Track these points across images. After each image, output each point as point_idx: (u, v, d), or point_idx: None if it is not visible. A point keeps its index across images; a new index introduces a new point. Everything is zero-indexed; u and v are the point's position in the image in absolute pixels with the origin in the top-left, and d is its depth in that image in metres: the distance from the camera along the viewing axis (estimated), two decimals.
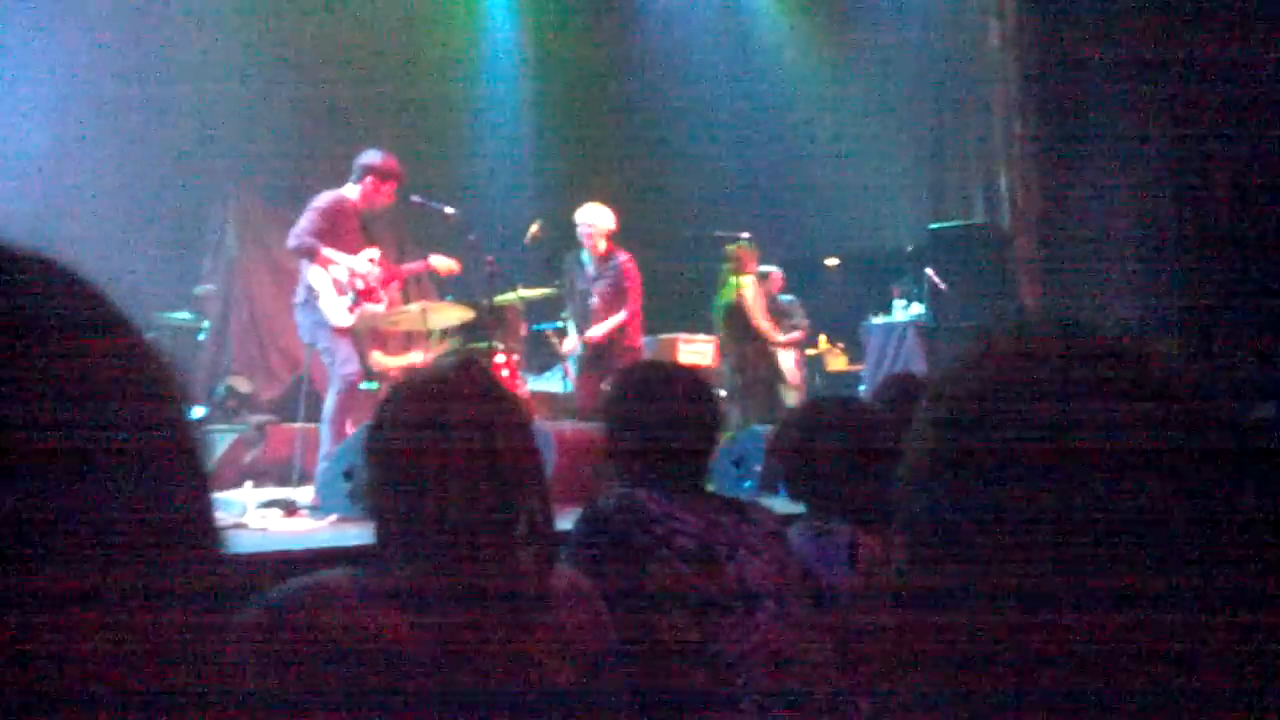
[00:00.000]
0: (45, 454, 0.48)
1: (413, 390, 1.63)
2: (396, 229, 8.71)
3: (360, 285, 5.55)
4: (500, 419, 1.59)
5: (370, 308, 5.64)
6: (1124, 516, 0.64)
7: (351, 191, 5.65)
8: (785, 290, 8.93)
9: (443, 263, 6.09)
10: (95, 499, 0.49)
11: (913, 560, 0.71)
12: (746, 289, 7.95)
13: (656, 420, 2.25)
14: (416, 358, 6.75)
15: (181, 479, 0.53)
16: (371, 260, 5.66)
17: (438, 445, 1.54)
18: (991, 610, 0.65)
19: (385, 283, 5.80)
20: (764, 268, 8.51)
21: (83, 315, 0.52)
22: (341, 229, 5.56)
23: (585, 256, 6.95)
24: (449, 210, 6.11)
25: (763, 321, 8.03)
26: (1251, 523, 0.64)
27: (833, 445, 2.49)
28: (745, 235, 7.03)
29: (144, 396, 0.53)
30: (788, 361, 8.46)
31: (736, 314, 7.99)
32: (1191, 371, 0.68)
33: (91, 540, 0.48)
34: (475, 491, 1.53)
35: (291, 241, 5.52)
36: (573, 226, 6.90)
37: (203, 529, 0.54)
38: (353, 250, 5.59)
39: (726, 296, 8.03)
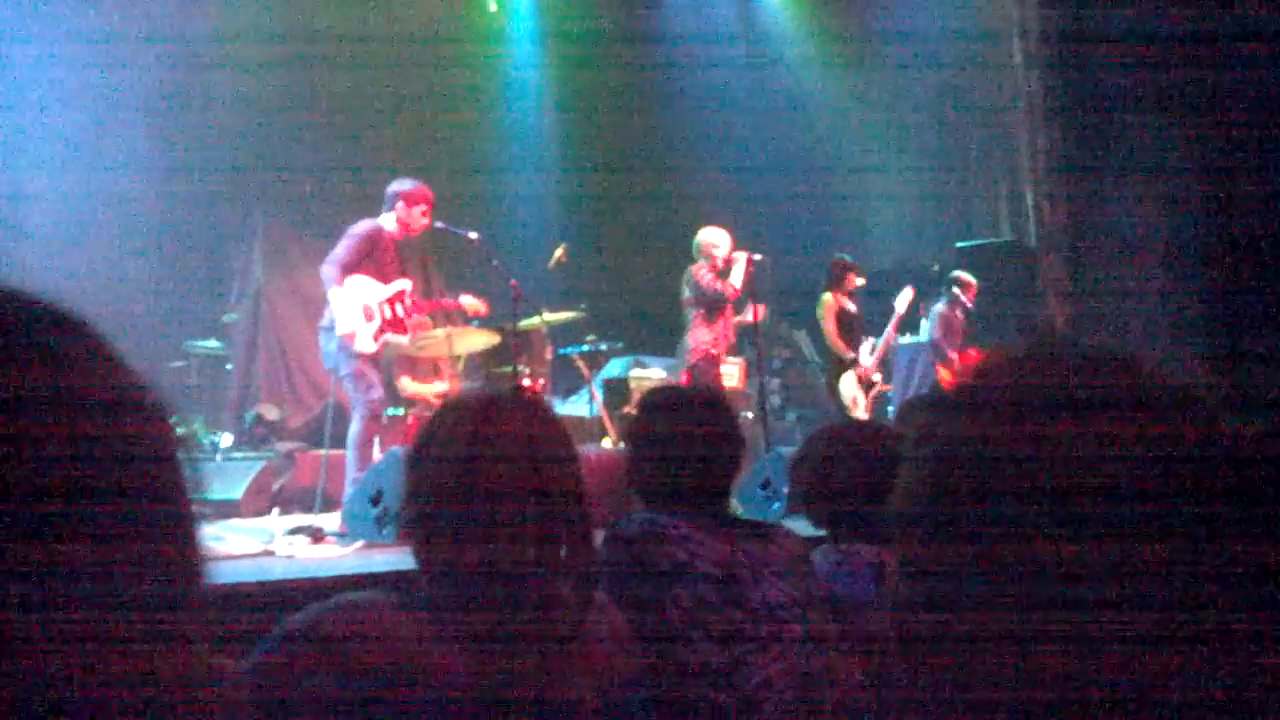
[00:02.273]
0: (27, 489, 0.47)
1: (461, 414, 1.61)
2: (423, 256, 8.76)
3: (387, 313, 5.58)
4: (549, 446, 1.59)
5: (395, 337, 5.66)
6: (1115, 542, 0.63)
7: (387, 221, 5.70)
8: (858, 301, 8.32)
9: (472, 304, 6.18)
10: (77, 532, 0.48)
11: (906, 575, 0.72)
12: (822, 305, 7.84)
13: (677, 444, 2.24)
14: (442, 386, 6.77)
15: (165, 511, 0.52)
16: (402, 291, 5.70)
17: (486, 469, 1.53)
18: (978, 623, 0.66)
19: (414, 312, 5.83)
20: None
21: (66, 349, 0.51)
22: (378, 257, 5.60)
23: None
24: (473, 235, 6.13)
25: (835, 340, 7.83)
26: (1247, 550, 0.63)
27: (849, 471, 2.46)
28: (759, 257, 7.00)
29: (130, 432, 0.52)
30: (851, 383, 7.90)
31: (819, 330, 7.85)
32: (1188, 387, 0.67)
33: (70, 576, 0.47)
34: (520, 516, 1.52)
35: (325, 267, 5.55)
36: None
37: (186, 563, 0.53)
38: (387, 279, 5.62)
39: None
